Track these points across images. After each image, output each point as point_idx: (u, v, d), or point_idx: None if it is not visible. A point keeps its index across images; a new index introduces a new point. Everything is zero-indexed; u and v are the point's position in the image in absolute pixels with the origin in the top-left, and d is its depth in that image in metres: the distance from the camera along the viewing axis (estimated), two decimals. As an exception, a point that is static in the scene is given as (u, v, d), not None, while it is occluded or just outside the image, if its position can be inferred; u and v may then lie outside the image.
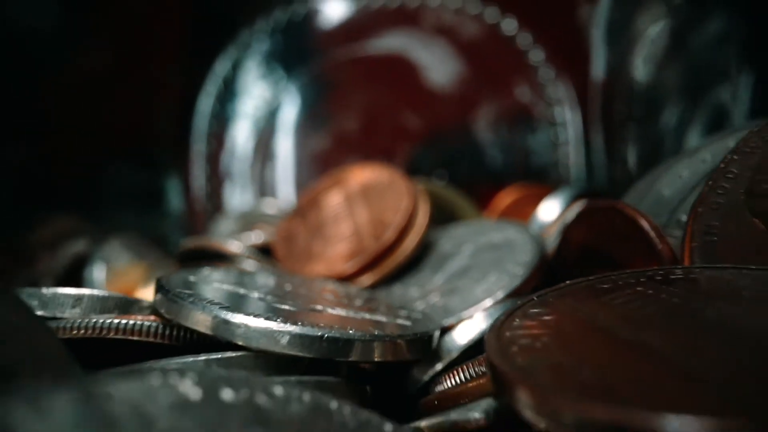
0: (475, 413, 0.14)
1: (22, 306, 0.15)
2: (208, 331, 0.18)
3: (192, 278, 0.21)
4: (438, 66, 0.54)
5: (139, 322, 0.19)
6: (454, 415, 0.15)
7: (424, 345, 0.20)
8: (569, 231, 0.30)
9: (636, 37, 0.48)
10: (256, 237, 0.39)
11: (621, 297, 0.17)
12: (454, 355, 0.23)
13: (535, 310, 0.17)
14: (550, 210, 0.38)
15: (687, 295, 0.16)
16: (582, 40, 0.51)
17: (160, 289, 0.19)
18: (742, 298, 0.15)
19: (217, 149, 0.56)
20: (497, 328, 0.16)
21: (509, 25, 0.53)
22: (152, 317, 0.21)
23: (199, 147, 0.56)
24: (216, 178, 0.56)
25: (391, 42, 0.55)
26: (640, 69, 0.47)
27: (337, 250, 0.35)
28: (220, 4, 0.57)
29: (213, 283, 0.22)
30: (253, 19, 0.55)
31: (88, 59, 0.53)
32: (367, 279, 0.31)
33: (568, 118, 0.53)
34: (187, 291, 0.19)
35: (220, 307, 0.18)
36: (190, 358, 0.17)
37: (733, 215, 0.20)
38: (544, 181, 0.52)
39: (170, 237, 0.57)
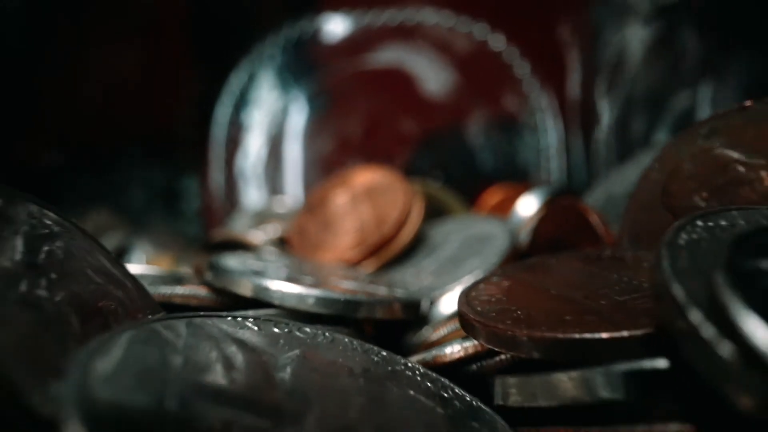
0: (448, 348, 0.20)
1: (116, 260, 0.21)
2: (252, 295, 0.23)
3: (234, 259, 0.27)
4: (433, 77, 0.60)
5: (196, 290, 0.25)
6: (434, 351, 0.21)
7: (414, 309, 0.26)
8: (539, 225, 0.36)
9: (609, 53, 0.53)
10: (274, 231, 0.45)
11: (562, 269, 0.23)
12: (439, 321, 0.29)
13: (496, 279, 0.23)
14: (527, 206, 0.43)
15: (606, 266, 0.22)
16: (563, 56, 0.57)
17: (212, 267, 0.25)
18: (641, 267, 0.21)
19: (233, 153, 0.62)
20: (467, 291, 0.22)
21: (497, 42, 0.58)
22: (202, 288, 0.27)
23: (217, 151, 0.62)
24: (232, 179, 0.62)
25: (391, 56, 0.60)
26: (612, 82, 0.53)
27: (344, 241, 0.40)
28: (232, 22, 0.63)
29: (249, 262, 0.27)
30: (264, 36, 0.61)
31: (114, 70, 0.58)
32: (369, 264, 0.37)
33: (550, 125, 0.58)
34: (233, 267, 0.25)
35: (261, 277, 0.24)
36: (240, 313, 0.23)
37: (653, 210, 0.26)
38: (528, 181, 0.58)
39: (188, 232, 0.62)
